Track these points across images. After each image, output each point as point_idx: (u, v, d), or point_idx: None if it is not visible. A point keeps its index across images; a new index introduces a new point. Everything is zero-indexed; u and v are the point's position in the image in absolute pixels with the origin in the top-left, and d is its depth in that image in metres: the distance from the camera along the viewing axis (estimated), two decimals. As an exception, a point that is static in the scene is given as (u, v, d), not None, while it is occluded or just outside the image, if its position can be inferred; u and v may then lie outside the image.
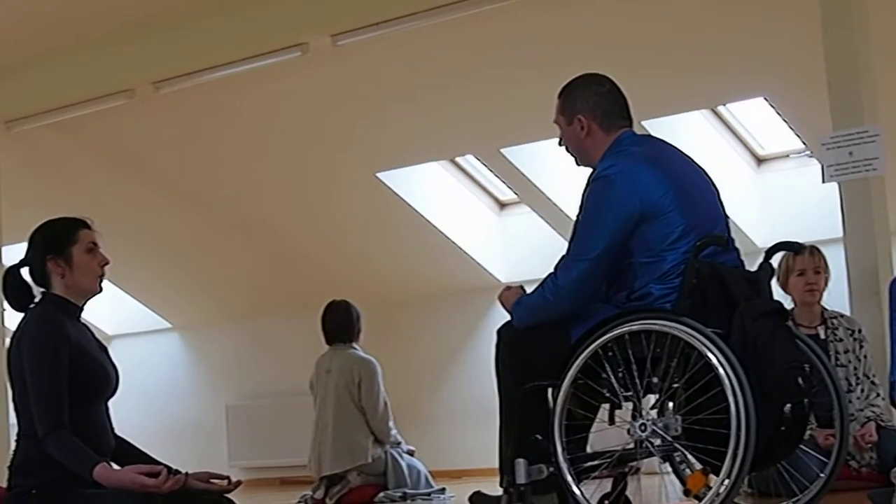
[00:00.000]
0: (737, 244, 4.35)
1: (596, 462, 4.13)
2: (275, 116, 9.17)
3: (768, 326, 3.98)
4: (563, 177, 9.47)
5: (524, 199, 9.73)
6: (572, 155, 4.47)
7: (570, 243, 4.23)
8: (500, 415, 4.36)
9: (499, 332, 4.42)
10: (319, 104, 8.91)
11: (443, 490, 7.57)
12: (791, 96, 8.14)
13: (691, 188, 4.22)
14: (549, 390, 4.20)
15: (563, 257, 4.24)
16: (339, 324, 7.55)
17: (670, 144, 4.50)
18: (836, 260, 6.19)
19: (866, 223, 6.17)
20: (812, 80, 6.88)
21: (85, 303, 4.05)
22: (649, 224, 4.11)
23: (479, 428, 6.99)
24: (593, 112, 4.34)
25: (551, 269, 4.27)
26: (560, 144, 4.49)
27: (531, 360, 4.25)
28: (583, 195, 4.27)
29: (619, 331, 4.03)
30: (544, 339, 4.26)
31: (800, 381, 4.00)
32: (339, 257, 10.49)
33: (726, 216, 4.36)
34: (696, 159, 4.47)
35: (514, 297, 4.39)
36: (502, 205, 10.34)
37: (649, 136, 4.42)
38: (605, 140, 4.33)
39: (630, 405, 4.09)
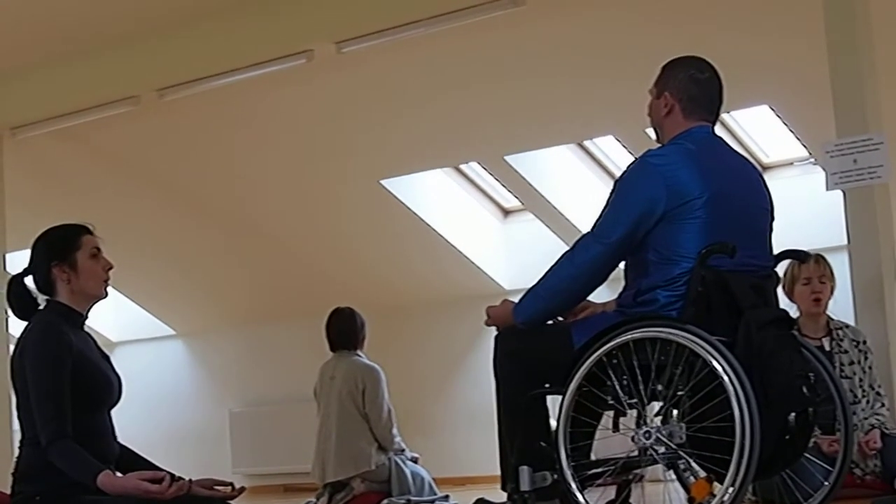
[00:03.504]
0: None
1: (600, 469, 4.13)
2: (279, 123, 9.17)
3: (774, 335, 3.98)
4: (567, 184, 9.49)
5: (528, 207, 9.74)
6: (652, 126, 4.44)
7: (597, 218, 4.23)
8: (499, 421, 4.36)
9: (496, 339, 4.41)
10: (324, 111, 8.91)
11: (446, 497, 7.56)
12: (795, 104, 8.14)
13: (731, 201, 4.14)
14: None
15: (585, 234, 4.24)
16: (344, 331, 7.54)
17: (737, 153, 4.46)
18: (840, 268, 6.18)
19: (871, 231, 6.16)
20: (816, 88, 6.88)
21: (89, 310, 4.06)
22: (670, 224, 4.08)
23: (483, 435, 6.99)
24: (681, 94, 4.29)
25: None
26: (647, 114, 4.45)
27: (533, 367, 4.24)
28: (626, 168, 4.27)
29: (623, 338, 4.02)
30: (546, 347, 4.26)
31: (804, 389, 4.00)
32: (342, 264, 10.49)
33: (769, 240, 4.32)
34: (763, 176, 4.45)
35: (508, 305, 4.39)
36: (506, 212, 10.34)
37: (719, 139, 4.39)
38: (682, 125, 4.28)
39: (634, 413, 4.09)
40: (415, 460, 7.56)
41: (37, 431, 3.80)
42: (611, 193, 4.24)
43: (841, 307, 6.18)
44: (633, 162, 4.28)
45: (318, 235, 10.36)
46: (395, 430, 7.44)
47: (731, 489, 3.80)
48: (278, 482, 10.98)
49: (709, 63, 4.37)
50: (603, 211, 4.22)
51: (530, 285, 4.32)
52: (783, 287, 5.84)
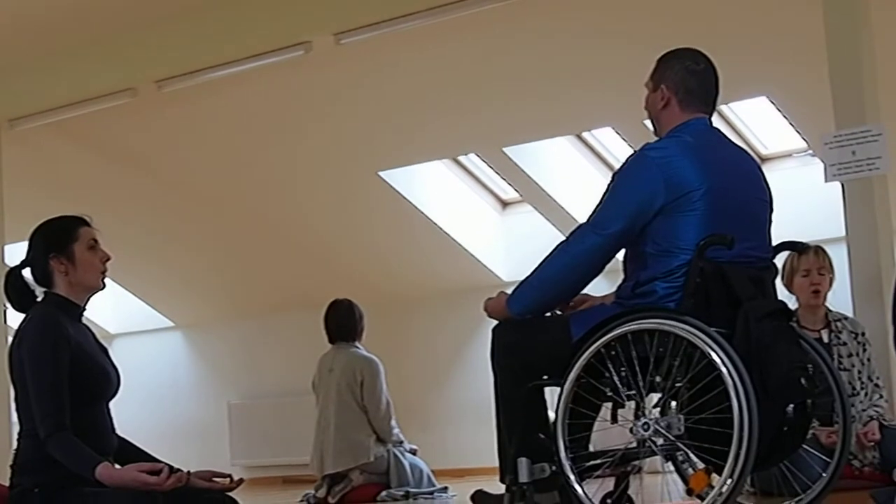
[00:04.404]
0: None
1: (598, 461, 4.13)
2: (277, 115, 9.17)
3: (772, 327, 3.97)
4: (565, 176, 9.49)
5: (527, 199, 9.74)
6: (649, 119, 4.44)
7: (594, 209, 4.23)
8: (497, 413, 4.36)
9: (494, 331, 4.40)
10: (322, 103, 8.91)
11: (445, 489, 7.58)
12: (793, 95, 8.14)
13: (729, 193, 4.14)
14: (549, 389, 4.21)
15: (582, 225, 4.24)
16: (342, 323, 7.55)
17: (735, 145, 4.46)
18: (838, 260, 6.18)
19: (869, 223, 6.16)
20: (814, 80, 6.87)
21: (87, 302, 4.06)
22: (669, 216, 4.08)
23: (482, 427, 6.99)
24: (677, 87, 4.28)
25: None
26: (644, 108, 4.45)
27: (531, 359, 4.24)
28: (624, 161, 4.27)
29: (622, 329, 4.02)
30: (544, 339, 4.26)
31: (803, 381, 4.00)
32: (341, 256, 10.49)
33: (769, 231, 4.32)
34: (761, 168, 4.44)
35: (502, 297, 4.39)
36: (505, 204, 10.34)
37: (717, 131, 4.39)
38: (679, 118, 4.28)
39: (633, 404, 4.09)
40: (413, 452, 7.57)
41: (35, 424, 3.79)
42: (608, 186, 4.24)
43: (839, 299, 6.18)
44: (632, 155, 4.28)
45: (316, 227, 10.35)
46: (393, 422, 7.45)
47: (729, 480, 3.81)
48: (277, 474, 10.99)
49: (704, 54, 4.37)
50: (600, 202, 4.22)
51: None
52: (782, 278, 5.84)
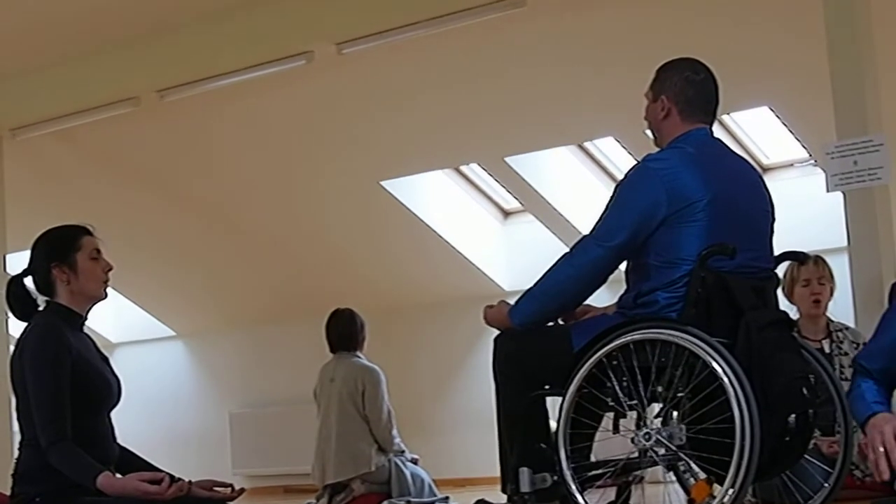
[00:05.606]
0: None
1: (600, 471, 4.13)
2: (279, 124, 9.17)
3: (774, 337, 3.98)
4: (567, 186, 9.49)
5: (528, 208, 9.74)
6: (650, 129, 4.44)
7: (597, 221, 4.23)
8: (498, 423, 4.36)
9: (496, 340, 4.40)
10: (324, 112, 8.91)
11: (446, 499, 7.56)
12: (795, 105, 8.14)
13: (732, 203, 4.14)
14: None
15: (585, 236, 4.24)
16: (343, 332, 7.54)
17: (736, 155, 4.47)
18: (840, 270, 6.18)
19: (871, 232, 6.15)
20: (816, 90, 6.87)
21: (88, 311, 4.06)
22: (671, 227, 4.09)
23: (483, 436, 6.98)
24: (677, 97, 4.28)
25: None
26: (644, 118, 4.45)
27: (532, 369, 4.24)
28: (626, 173, 4.27)
29: (623, 339, 4.03)
30: (545, 348, 4.26)
31: (804, 391, 4.00)
32: (342, 265, 10.49)
33: (770, 241, 4.33)
34: (763, 178, 4.45)
35: (503, 307, 4.38)
36: (506, 213, 10.34)
37: (718, 141, 4.40)
38: (680, 128, 4.28)
39: (634, 414, 4.09)
40: (415, 461, 7.55)
41: (36, 433, 3.80)
42: (611, 198, 4.24)
43: (841, 309, 6.18)
44: (634, 166, 4.29)
45: (317, 236, 10.35)
46: (394, 432, 7.44)
47: (730, 491, 3.81)
48: (278, 483, 10.98)
49: (703, 64, 4.37)
50: (603, 214, 4.22)
51: (529, 287, 4.31)
52: (783, 289, 5.84)
